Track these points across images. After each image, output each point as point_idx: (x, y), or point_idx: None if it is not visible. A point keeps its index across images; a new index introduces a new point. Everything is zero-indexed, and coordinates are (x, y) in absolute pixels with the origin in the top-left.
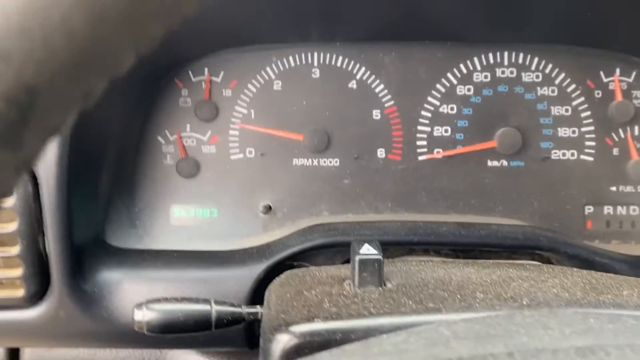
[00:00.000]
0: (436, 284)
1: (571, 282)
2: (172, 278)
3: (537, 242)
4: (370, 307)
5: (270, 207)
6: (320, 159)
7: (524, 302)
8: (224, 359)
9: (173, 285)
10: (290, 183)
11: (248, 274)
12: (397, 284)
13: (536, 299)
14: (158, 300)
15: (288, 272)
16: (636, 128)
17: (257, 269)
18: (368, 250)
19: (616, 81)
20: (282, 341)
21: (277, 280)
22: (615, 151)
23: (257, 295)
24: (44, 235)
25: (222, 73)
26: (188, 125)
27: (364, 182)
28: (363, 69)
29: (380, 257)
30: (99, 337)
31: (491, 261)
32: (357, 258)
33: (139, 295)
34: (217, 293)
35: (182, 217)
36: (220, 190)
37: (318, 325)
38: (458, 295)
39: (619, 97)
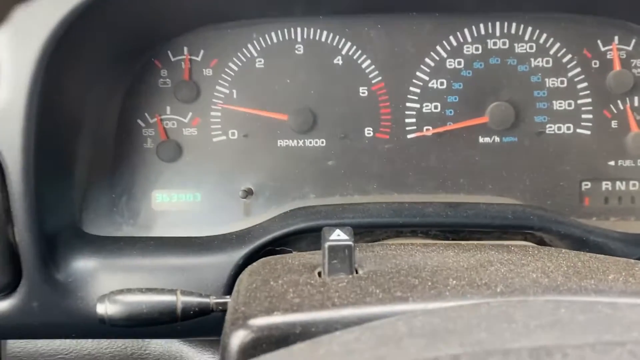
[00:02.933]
0: (409, 270)
1: (554, 265)
2: (148, 266)
3: (527, 221)
4: (334, 298)
5: (251, 191)
6: (305, 140)
7: (498, 290)
8: (208, 346)
9: (148, 274)
10: (274, 165)
11: (226, 261)
12: (369, 271)
13: (511, 286)
14: (121, 292)
15: (262, 260)
16: (635, 99)
17: (235, 256)
18: (338, 236)
19: (614, 50)
20: (239, 336)
21: (249, 269)
22: (614, 124)
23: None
24: (13, 225)
25: (202, 52)
26: (168, 107)
27: (350, 163)
28: (349, 44)
29: (350, 243)
30: (74, 329)
31: (475, 243)
32: (326, 245)
33: (113, 285)
34: (194, 282)
35: (164, 202)
36: (202, 174)
37: (277, 319)
38: (429, 283)
39: (617, 66)
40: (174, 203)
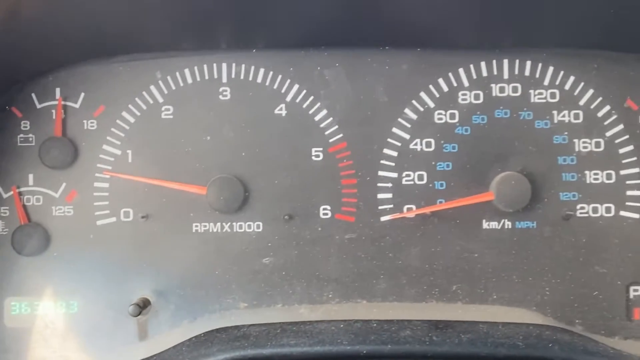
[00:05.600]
0: None
1: None
2: None
3: (543, 350)
4: None
5: (147, 303)
6: (233, 223)
7: None
8: None
9: None
10: (185, 262)
11: None
12: None
13: None
14: None
15: None
16: None
17: None
18: None
19: None
20: None
21: None
22: None
23: None
24: None
25: (82, 95)
26: (31, 176)
27: (295, 258)
28: (296, 87)
29: None
30: None
31: None
32: None
33: None
34: None
35: (22, 316)
36: (81, 273)
37: None
38: None
39: None
40: (37, 317)
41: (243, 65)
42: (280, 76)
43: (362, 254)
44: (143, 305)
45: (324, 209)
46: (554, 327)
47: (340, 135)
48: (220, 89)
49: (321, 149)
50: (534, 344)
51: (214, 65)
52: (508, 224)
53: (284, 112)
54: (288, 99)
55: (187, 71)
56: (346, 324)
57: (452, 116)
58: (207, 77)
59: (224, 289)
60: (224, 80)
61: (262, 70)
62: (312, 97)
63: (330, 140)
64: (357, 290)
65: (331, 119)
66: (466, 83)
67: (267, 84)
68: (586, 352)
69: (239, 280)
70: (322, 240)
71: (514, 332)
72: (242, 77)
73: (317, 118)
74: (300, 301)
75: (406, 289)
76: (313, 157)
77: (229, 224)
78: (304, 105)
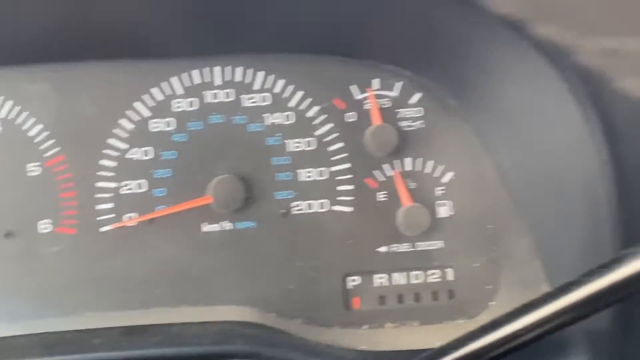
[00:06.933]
0: None
1: None
2: None
3: (227, 347)
4: None
5: None
6: None
7: None
8: None
9: None
10: None
11: None
12: None
13: None
14: None
15: None
16: (407, 161)
17: None
18: None
19: (371, 97)
20: None
21: None
22: (381, 196)
23: None
24: None
25: None
26: None
27: (10, 274)
28: (9, 103)
29: None
30: None
31: None
32: None
33: None
34: None
35: None
36: None
37: None
38: None
39: (376, 119)
40: None
41: None
42: None
43: (70, 267)
44: None
45: (43, 224)
46: (247, 323)
47: (57, 149)
48: None
49: (38, 164)
50: (220, 340)
51: None
52: (228, 225)
53: None
54: (1, 115)
55: None
56: (41, 337)
57: (168, 124)
58: None
59: None
60: None
61: None
62: (26, 113)
63: (46, 155)
64: (59, 304)
65: (46, 133)
66: (180, 91)
67: None
68: (270, 344)
69: None
70: (36, 255)
71: (205, 331)
72: None
73: (31, 134)
74: (2, 318)
75: (108, 298)
76: (28, 173)
77: None
78: (18, 122)
